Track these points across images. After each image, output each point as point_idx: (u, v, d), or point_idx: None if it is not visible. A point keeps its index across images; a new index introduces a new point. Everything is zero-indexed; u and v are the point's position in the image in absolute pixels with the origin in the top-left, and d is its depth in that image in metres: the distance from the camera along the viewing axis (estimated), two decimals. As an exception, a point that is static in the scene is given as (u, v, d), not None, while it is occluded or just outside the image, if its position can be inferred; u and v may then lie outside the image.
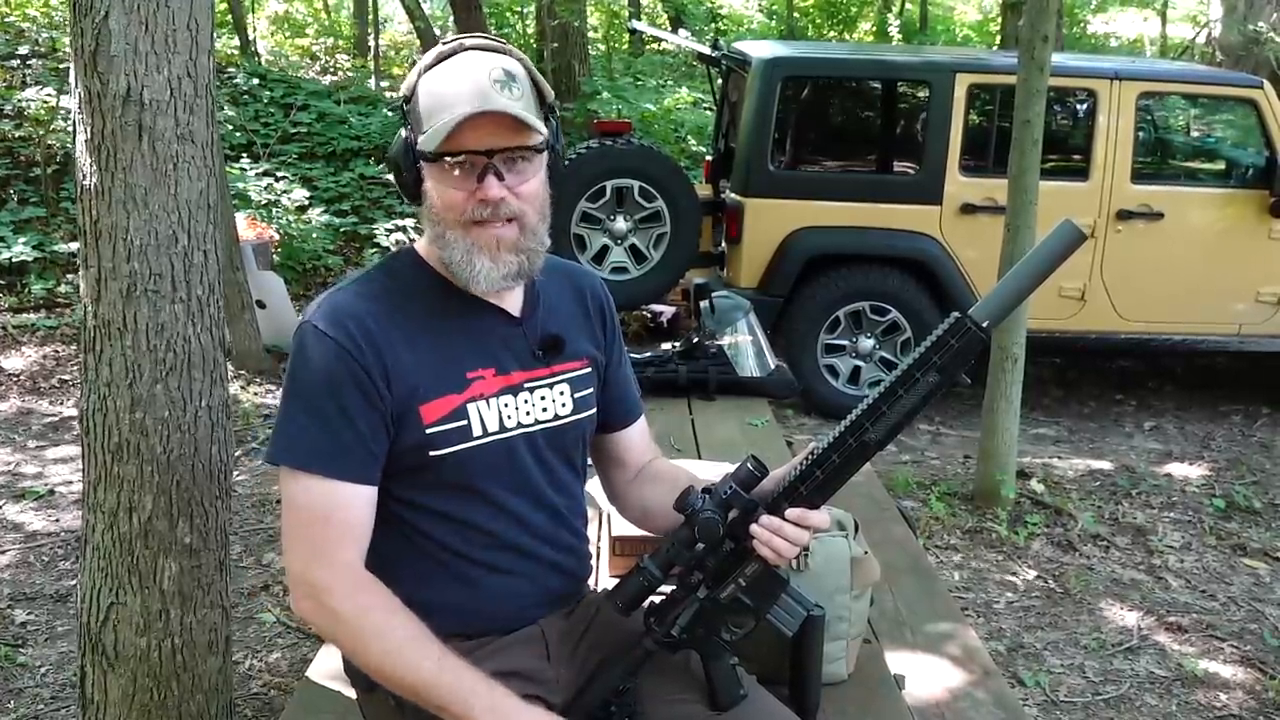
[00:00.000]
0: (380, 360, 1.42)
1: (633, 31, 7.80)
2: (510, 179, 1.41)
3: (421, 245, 1.54)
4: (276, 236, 6.90)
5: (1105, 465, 4.85)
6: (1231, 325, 5.30)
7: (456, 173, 1.40)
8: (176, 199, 1.99)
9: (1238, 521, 4.28)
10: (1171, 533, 4.14)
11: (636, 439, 1.73)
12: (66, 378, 5.60)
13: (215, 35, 2.08)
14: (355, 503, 1.42)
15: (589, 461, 1.72)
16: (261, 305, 5.71)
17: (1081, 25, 15.08)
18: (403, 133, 1.46)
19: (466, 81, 1.39)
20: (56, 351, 5.94)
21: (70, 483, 4.35)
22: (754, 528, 1.40)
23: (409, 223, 7.97)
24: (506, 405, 1.51)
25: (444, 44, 1.46)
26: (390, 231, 7.85)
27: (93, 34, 1.89)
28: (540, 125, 1.41)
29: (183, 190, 2.00)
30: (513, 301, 1.55)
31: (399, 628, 1.38)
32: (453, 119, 1.36)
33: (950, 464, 4.83)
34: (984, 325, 1.29)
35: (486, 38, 1.48)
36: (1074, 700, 3.03)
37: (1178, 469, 4.84)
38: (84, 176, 1.97)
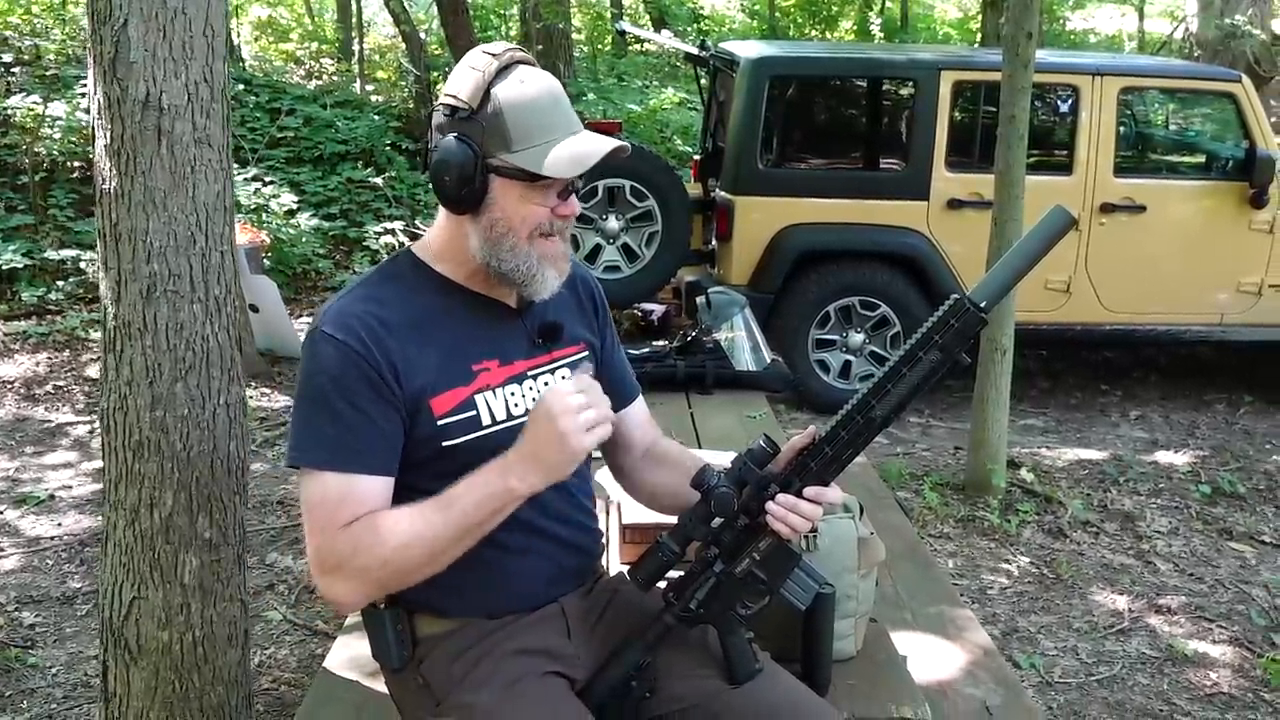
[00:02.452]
0: (389, 358, 1.47)
1: (621, 33, 7.84)
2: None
3: (426, 246, 1.61)
4: (267, 240, 6.93)
5: (1093, 454, 4.93)
6: (1214, 315, 5.39)
7: (544, 192, 1.50)
8: (194, 201, 2.04)
9: (1223, 506, 4.37)
10: (1159, 518, 4.22)
11: (638, 418, 1.80)
12: (61, 384, 5.62)
13: (234, 43, 2.12)
14: (371, 490, 1.46)
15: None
16: (254, 309, 5.73)
17: (1061, 22, 15.22)
18: (456, 141, 1.47)
19: (553, 104, 1.49)
20: (50, 358, 5.95)
21: (69, 488, 4.38)
22: (770, 504, 1.46)
23: (398, 225, 8.00)
24: (513, 394, 1.57)
25: (492, 54, 1.50)
26: (379, 235, 7.89)
27: (112, 41, 1.94)
28: None
29: (200, 193, 2.04)
30: (511, 294, 1.61)
31: (399, 525, 1.43)
32: (589, 155, 1.47)
33: (941, 455, 4.91)
34: (982, 305, 1.37)
35: (524, 52, 1.54)
36: (1068, 681, 3.10)
37: (1164, 456, 4.93)
38: (103, 180, 2.02)
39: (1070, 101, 5.29)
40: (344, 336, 1.46)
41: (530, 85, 1.49)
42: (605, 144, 1.49)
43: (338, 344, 1.46)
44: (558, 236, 1.54)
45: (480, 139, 1.47)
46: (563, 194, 1.52)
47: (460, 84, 1.49)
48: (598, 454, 1.79)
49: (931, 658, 2.42)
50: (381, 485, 1.48)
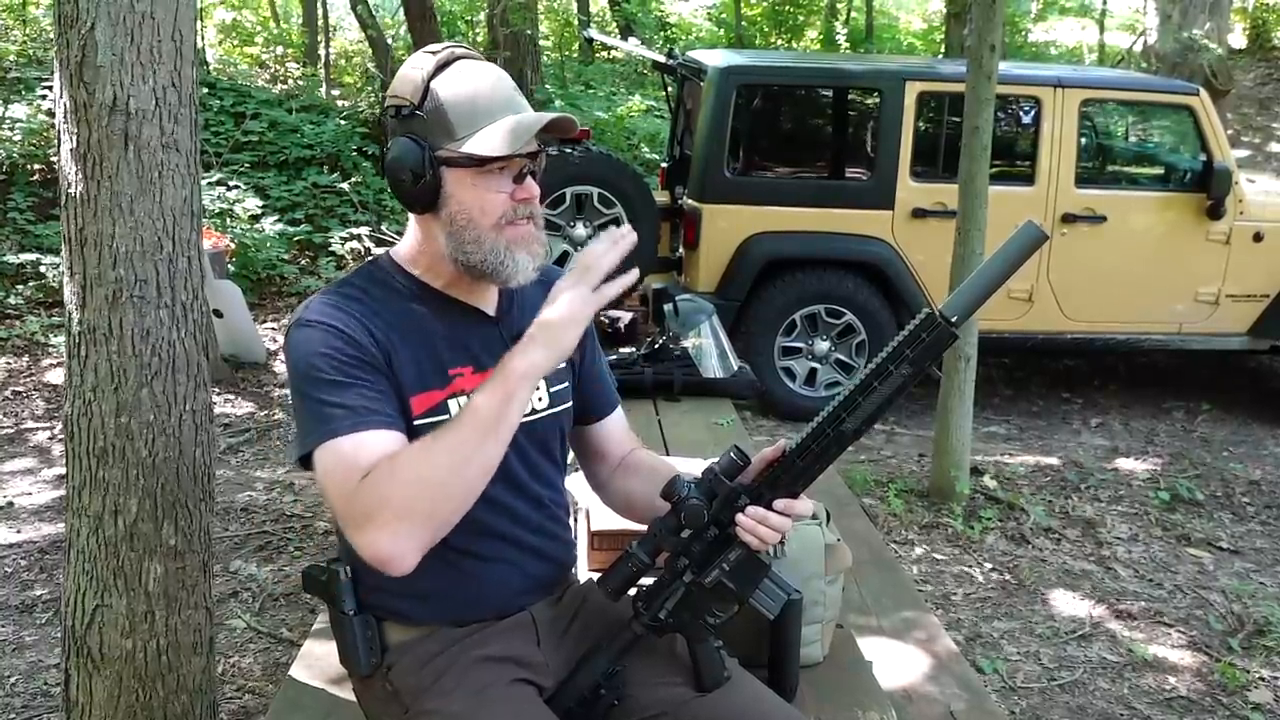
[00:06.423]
0: (374, 337, 1.48)
1: (589, 40, 7.83)
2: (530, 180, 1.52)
3: (400, 251, 1.61)
4: (232, 245, 6.87)
5: (1054, 461, 5.00)
6: (1172, 324, 5.48)
7: (497, 177, 1.49)
8: (161, 206, 2.03)
9: (1182, 513, 4.43)
10: (1119, 525, 4.28)
11: (616, 429, 1.80)
12: (20, 389, 5.54)
13: (198, 46, 2.12)
14: (385, 440, 1.41)
15: (570, 454, 1.79)
16: (219, 314, 5.68)
17: (1023, 34, 15.38)
18: (405, 139, 1.49)
19: (492, 89, 1.49)
20: (8, 364, 5.87)
21: (29, 494, 4.32)
22: (739, 516, 1.47)
23: (364, 230, 7.96)
24: None
25: (431, 52, 1.52)
26: (345, 240, 7.84)
27: (79, 45, 1.93)
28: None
29: (167, 198, 2.03)
30: (489, 301, 1.62)
31: (415, 448, 1.39)
32: (524, 126, 1.46)
33: (906, 462, 4.95)
34: (953, 320, 1.37)
35: (466, 47, 1.56)
36: (1030, 686, 3.14)
37: (1124, 464, 5.00)
38: (69, 185, 2.00)
39: (1033, 113, 5.36)
40: (328, 320, 1.46)
41: (468, 74, 1.50)
42: (543, 116, 1.49)
43: (321, 326, 1.46)
44: (527, 221, 1.52)
45: (426, 134, 1.48)
46: (519, 178, 1.51)
47: (402, 85, 1.51)
48: (574, 457, 1.81)
49: (897, 663, 2.44)
50: (394, 438, 1.43)
